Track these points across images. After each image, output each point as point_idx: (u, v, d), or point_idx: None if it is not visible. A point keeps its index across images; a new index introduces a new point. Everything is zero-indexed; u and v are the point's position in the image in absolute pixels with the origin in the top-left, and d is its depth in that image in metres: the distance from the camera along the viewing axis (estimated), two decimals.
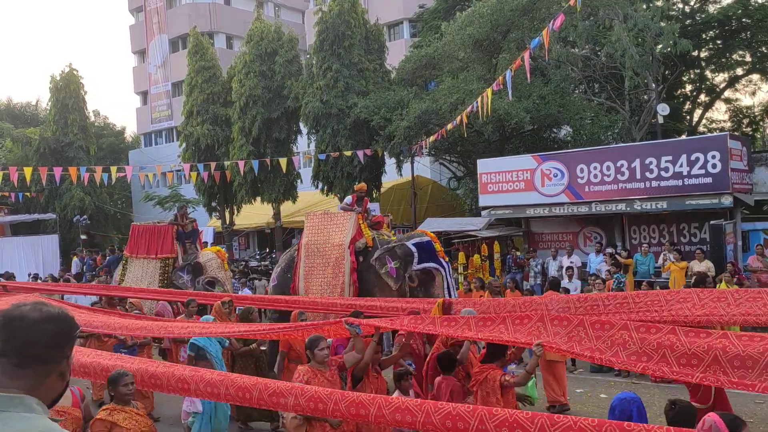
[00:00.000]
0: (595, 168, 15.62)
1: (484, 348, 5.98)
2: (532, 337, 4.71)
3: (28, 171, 22.08)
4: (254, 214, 26.94)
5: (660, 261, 14.23)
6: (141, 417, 4.83)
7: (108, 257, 23.10)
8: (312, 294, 10.04)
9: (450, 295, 9.19)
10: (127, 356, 6.41)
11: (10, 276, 20.37)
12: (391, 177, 23.61)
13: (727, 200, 14.01)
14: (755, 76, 24.79)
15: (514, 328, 4.85)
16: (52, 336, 1.74)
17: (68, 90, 32.01)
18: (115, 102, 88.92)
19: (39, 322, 1.73)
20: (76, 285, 15.01)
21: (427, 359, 6.60)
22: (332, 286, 10.07)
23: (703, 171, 14.16)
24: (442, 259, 9.79)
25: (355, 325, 5.59)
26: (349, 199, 11.35)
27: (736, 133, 22.04)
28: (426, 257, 9.65)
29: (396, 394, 5.59)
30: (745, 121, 26.78)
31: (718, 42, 23.75)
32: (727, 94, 26.04)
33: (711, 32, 23.56)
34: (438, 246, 9.94)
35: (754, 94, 25.72)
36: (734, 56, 23.67)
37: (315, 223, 10.80)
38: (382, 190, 23.43)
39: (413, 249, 9.65)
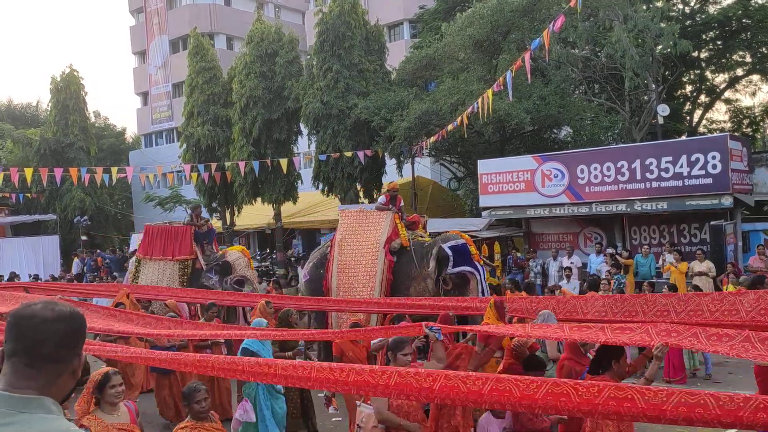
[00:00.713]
0: (595, 168, 15.64)
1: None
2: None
3: (28, 172, 22.10)
4: (255, 214, 26.94)
5: (660, 262, 14.25)
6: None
7: (109, 257, 23.17)
8: (344, 292, 9.98)
9: None
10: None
11: (14, 277, 20.43)
12: (392, 178, 23.57)
13: (727, 201, 14.03)
14: (755, 77, 24.81)
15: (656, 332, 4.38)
16: (63, 335, 1.72)
17: (69, 91, 32.06)
18: (115, 103, 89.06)
19: (50, 321, 1.71)
20: (105, 285, 14.80)
21: (501, 367, 6.11)
22: (364, 285, 9.96)
23: (703, 171, 14.17)
24: (477, 263, 9.66)
25: (435, 329, 5.01)
26: (382, 198, 11.26)
27: (736, 133, 22.05)
28: (461, 260, 9.56)
29: None
30: (746, 121, 26.80)
31: (719, 43, 23.77)
32: (728, 94, 26.07)
33: (711, 33, 23.59)
34: (473, 249, 9.83)
35: (754, 94, 25.78)
36: (734, 57, 23.70)
37: (350, 221, 10.68)
38: (383, 190, 23.41)
39: (449, 252, 9.56)
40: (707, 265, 12.87)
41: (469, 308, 7.77)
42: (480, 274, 9.55)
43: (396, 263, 9.99)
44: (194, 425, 4.41)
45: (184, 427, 4.40)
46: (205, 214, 27.83)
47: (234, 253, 12.96)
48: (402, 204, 11.27)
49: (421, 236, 10.46)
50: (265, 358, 6.44)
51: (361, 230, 10.41)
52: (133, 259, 13.67)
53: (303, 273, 11.25)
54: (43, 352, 1.70)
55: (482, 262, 9.90)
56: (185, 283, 12.43)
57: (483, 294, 9.33)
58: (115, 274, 21.08)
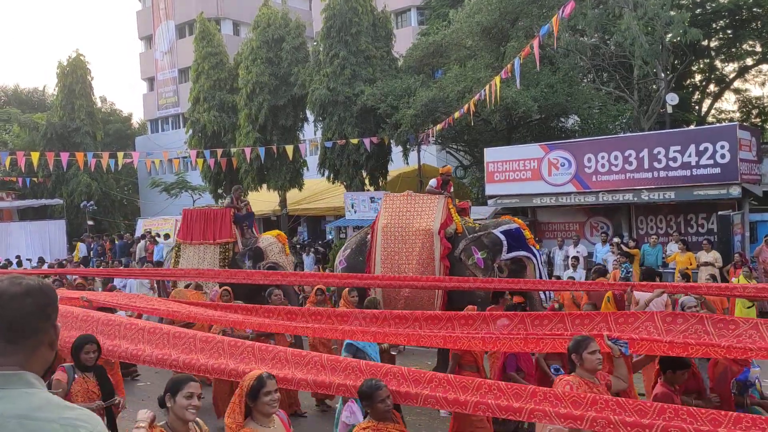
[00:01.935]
0: (602, 157, 15.55)
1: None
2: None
3: (35, 156, 22.10)
4: (260, 201, 26.93)
5: (667, 251, 14.21)
6: None
7: (117, 243, 23.24)
8: None
9: None
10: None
11: (20, 261, 20.54)
12: (398, 165, 23.56)
13: (735, 191, 13.94)
14: (765, 67, 24.60)
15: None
16: (35, 308, 1.72)
17: (75, 75, 32.07)
18: (121, 88, 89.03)
19: (20, 296, 1.70)
20: (154, 270, 14.19)
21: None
22: (421, 273, 9.38)
23: (711, 161, 14.08)
24: (532, 247, 9.27)
25: (622, 342, 4.33)
26: (433, 182, 10.73)
27: (745, 123, 21.89)
28: (516, 245, 9.12)
29: None
30: (755, 111, 26.59)
31: (729, 31, 23.54)
32: (737, 84, 25.86)
33: (721, 21, 23.35)
34: (527, 233, 9.40)
35: (764, 84, 25.54)
36: (744, 46, 23.48)
37: (395, 206, 10.08)
38: (389, 178, 23.38)
39: (502, 237, 9.12)
40: (714, 256, 12.82)
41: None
42: (537, 258, 9.16)
43: (451, 250, 9.52)
44: (377, 426, 3.88)
45: (366, 428, 3.89)
46: (210, 200, 27.92)
47: (267, 238, 12.51)
48: (452, 190, 10.78)
49: (471, 223, 9.97)
50: (369, 354, 6.11)
51: (409, 216, 9.84)
52: (156, 241, 13.46)
53: (339, 259, 10.77)
54: (17, 328, 1.69)
55: (538, 246, 9.43)
56: (226, 267, 12.02)
57: (541, 279, 8.97)
58: (121, 259, 21.15)
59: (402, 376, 4.04)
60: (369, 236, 10.20)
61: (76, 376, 5.19)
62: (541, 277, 9.00)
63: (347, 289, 8.47)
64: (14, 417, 1.60)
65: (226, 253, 12.22)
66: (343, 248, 10.99)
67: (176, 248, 12.80)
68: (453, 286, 8.54)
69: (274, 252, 12.11)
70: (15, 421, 1.59)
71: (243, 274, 10.36)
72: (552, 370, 6.42)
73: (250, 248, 12.15)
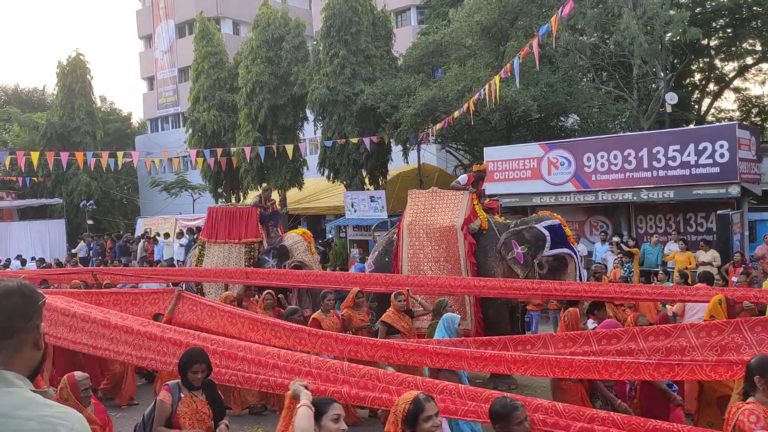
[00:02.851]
0: (602, 157, 15.55)
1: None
2: None
3: (35, 156, 22.11)
4: None
5: (666, 251, 14.22)
6: None
7: (116, 242, 23.26)
8: None
9: None
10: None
11: (22, 261, 20.53)
12: (398, 164, 23.57)
13: (734, 190, 13.94)
14: (765, 66, 24.59)
15: None
16: (15, 310, 1.73)
17: (75, 75, 32.07)
18: (121, 87, 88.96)
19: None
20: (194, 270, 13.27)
21: None
22: (447, 272, 9.15)
23: (710, 160, 14.09)
24: (572, 245, 8.96)
25: None
26: (464, 177, 10.45)
27: (744, 122, 21.89)
28: (559, 242, 8.75)
29: None
30: (755, 110, 26.59)
31: (728, 30, 23.53)
32: (737, 83, 25.86)
33: (721, 20, 23.34)
34: (568, 230, 9.09)
35: (763, 83, 25.54)
36: (744, 45, 23.47)
37: (420, 202, 9.85)
38: (389, 177, 23.40)
39: (545, 232, 8.75)
40: (712, 255, 12.82)
41: (572, 292, 7.30)
42: (577, 257, 8.84)
43: (477, 247, 9.18)
44: None
45: None
46: (210, 200, 27.93)
47: (293, 236, 12.24)
48: (484, 188, 10.43)
49: (500, 220, 9.68)
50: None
51: (433, 212, 9.56)
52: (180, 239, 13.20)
53: (368, 263, 10.55)
54: None
55: (576, 244, 9.10)
56: (252, 267, 11.75)
57: (580, 279, 8.65)
58: (121, 259, 21.17)
59: (458, 394, 3.77)
60: (395, 236, 9.97)
61: (182, 395, 4.55)
62: (580, 278, 8.71)
63: (394, 293, 8.05)
64: None
65: (252, 253, 11.99)
66: (372, 250, 10.80)
67: (200, 247, 12.53)
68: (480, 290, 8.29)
69: (300, 250, 11.83)
70: None
71: (262, 274, 10.20)
72: None
73: (274, 247, 11.92)
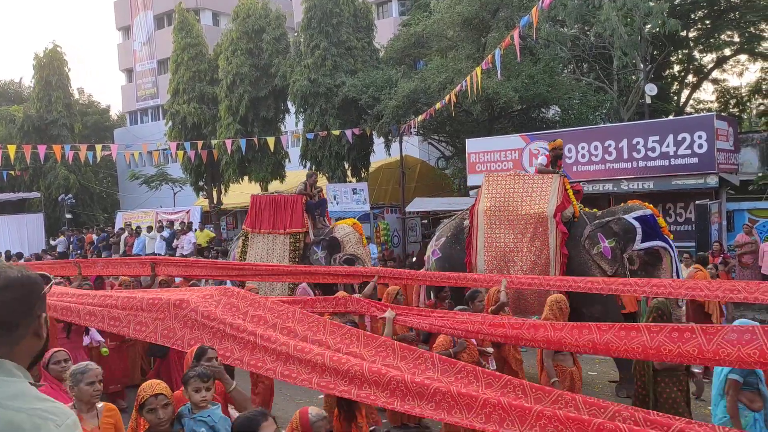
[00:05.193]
0: (582, 148, 15.67)
1: None
2: None
3: (11, 149, 21.76)
4: (242, 193, 26.74)
5: None
6: None
7: (100, 235, 23.04)
8: (498, 271, 8.36)
9: None
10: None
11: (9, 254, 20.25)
12: (380, 156, 23.54)
13: (712, 180, 14.14)
14: (743, 57, 24.84)
15: None
16: (15, 301, 1.71)
17: (52, 67, 31.60)
18: (99, 80, 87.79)
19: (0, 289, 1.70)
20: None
21: None
22: (532, 263, 8.33)
23: (689, 151, 14.25)
24: (667, 237, 8.09)
25: None
26: (543, 159, 9.67)
27: (723, 113, 22.13)
28: (651, 234, 7.95)
29: None
30: (733, 101, 26.88)
31: (707, 22, 23.73)
32: (715, 74, 26.11)
33: (700, 12, 23.52)
34: (661, 221, 8.24)
35: (741, 74, 25.87)
36: (722, 36, 23.67)
37: (500, 186, 8.89)
38: (371, 169, 23.37)
39: (636, 224, 7.97)
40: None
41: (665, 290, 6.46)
42: (673, 250, 8.00)
43: (569, 238, 8.33)
44: None
45: None
46: (191, 193, 27.73)
47: (344, 227, 11.43)
48: (563, 169, 9.49)
49: (585, 209, 8.87)
50: None
51: (517, 198, 8.65)
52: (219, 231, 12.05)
53: (430, 250, 9.60)
54: None
55: (672, 237, 8.25)
56: (297, 259, 11.17)
57: (677, 274, 7.86)
58: (104, 254, 20.96)
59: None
60: (467, 222, 9.08)
61: None
62: (677, 272, 7.90)
63: (470, 291, 7.35)
64: None
65: (297, 244, 11.32)
66: (435, 237, 9.79)
67: (243, 237, 11.87)
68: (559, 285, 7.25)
69: (352, 242, 11.07)
70: None
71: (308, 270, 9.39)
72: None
73: (323, 237, 11.21)
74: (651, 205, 8.38)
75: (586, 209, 8.85)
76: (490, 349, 6.09)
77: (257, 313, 4.85)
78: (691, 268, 10.12)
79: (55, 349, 4.86)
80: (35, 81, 32.30)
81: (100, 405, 4.10)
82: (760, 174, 16.53)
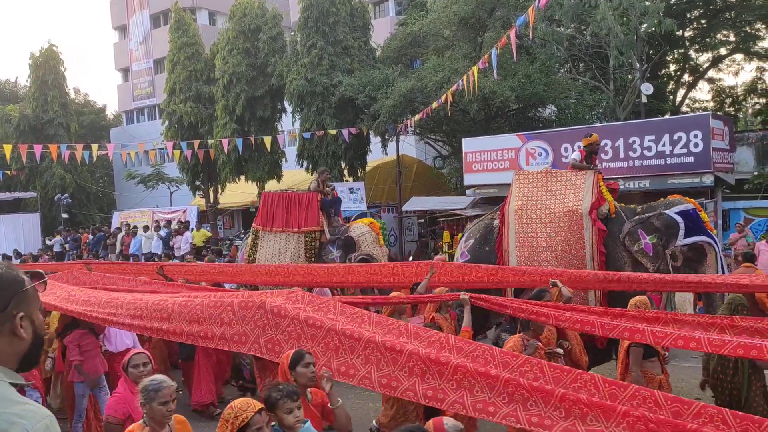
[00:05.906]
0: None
1: None
2: None
3: (7, 148, 21.72)
4: (238, 192, 26.78)
5: None
6: None
7: (96, 235, 23.01)
8: None
9: None
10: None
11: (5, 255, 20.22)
12: (377, 156, 23.56)
13: (708, 179, 14.19)
14: (739, 56, 24.90)
15: None
16: None
17: (48, 67, 31.55)
18: (96, 79, 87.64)
19: None
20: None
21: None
22: (567, 261, 7.99)
23: (685, 150, 14.29)
24: (710, 232, 7.85)
25: None
26: (576, 155, 9.35)
27: (718, 113, 22.19)
28: (694, 229, 7.65)
29: None
30: (728, 101, 26.96)
31: (703, 21, 23.79)
32: (711, 74, 26.18)
33: (695, 11, 23.57)
34: (704, 215, 7.96)
35: (737, 74, 25.90)
36: (718, 36, 23.73)
37: (531, 184, 8.64)
38: (367, 168, 23.38)
39: (678, 219, 7.67)
40: None
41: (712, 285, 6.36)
42: (717, 246, 7.78)
43: (606, 235, 8.03)
44: None
45: None
46: (187, 192, 27.70)
47: (360, 226, 11.06)
48: (598, 165, 9.17)
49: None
50: None
51: (550, 195, 8.38)
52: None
53: (459, 252, 9.28)
54: None
55: (715, 232, 8.03)
56: (312, 259, 10.74)
57: (723, 270, 7.65)
58: (100, 254, 20.95)
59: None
60: (496, 222, 8.80)
61: None
62: (722, 269, 7.68)
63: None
64: None
65: (312, 243, 10.90)
66: (463, 239, 9.38)
67: (253, 235, 11.32)
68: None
69: (368, 242, 10.70)
70: None
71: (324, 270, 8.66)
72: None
73: (339, 237, 10.82)
74: (692, 200, 8.13)
75: (623, 205, 8.54)
76: (560, 350, 5.91)
77: (335, 317, 4.33)
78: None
79: (136, 350, 4.72)
80: (31, 80, 32.25)
81: (170, 420, 3.82)
82: (755, 173, 16.60)
